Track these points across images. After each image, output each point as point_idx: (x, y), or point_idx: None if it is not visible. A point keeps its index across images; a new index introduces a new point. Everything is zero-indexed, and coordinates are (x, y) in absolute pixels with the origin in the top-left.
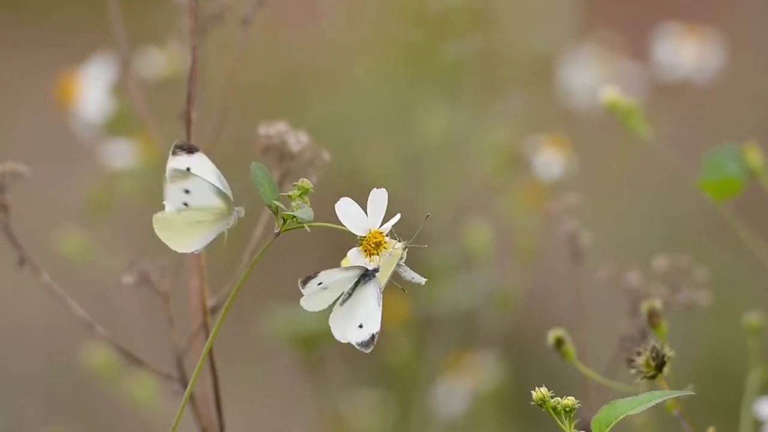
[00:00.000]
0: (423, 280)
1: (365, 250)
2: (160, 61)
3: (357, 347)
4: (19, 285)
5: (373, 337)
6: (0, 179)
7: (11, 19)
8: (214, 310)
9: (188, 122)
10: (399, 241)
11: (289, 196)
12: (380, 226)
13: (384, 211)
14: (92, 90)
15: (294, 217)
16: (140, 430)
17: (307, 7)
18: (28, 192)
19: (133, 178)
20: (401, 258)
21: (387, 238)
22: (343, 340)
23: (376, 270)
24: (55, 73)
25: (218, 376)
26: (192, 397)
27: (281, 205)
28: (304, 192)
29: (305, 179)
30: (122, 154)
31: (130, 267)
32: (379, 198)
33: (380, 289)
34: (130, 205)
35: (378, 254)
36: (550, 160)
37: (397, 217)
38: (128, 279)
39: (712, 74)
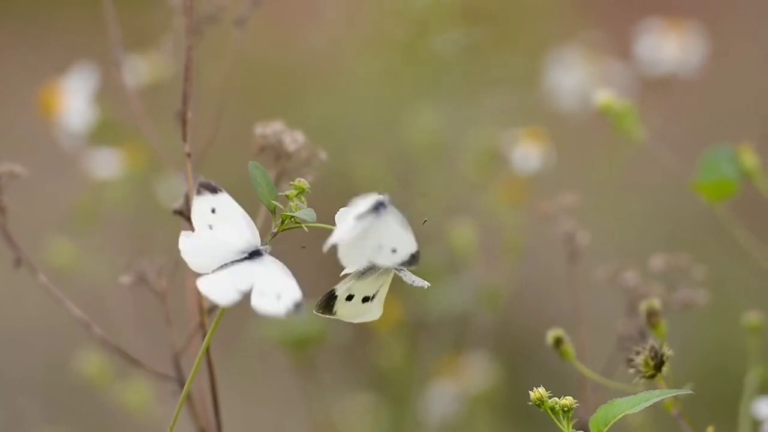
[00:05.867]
0: (425, 284)
1: None
2: (153, 63)
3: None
4: (16, 288)
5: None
6: None
7: (11, 20)
8: (210, 310)
9: (184, 122)
10: None
11: (286, 195)
12: None
13: None
14: (75, 100)
15: (292, 217)
16: None
17: (303, 7)
18: (24, 193)
19: (119, 186)
20: None
21: None
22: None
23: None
24: (55, 73)
25: (215, 376)
26: (189, 397)
27: (279, 205)
28: (301, 192)
29: (301, 179)
30: (108, 164)
31: (128, 267)
32: None
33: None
34: (119, 213)
35: None
36: (527, 154)
37: None
38: (126, 279)
39: (695, 67)
